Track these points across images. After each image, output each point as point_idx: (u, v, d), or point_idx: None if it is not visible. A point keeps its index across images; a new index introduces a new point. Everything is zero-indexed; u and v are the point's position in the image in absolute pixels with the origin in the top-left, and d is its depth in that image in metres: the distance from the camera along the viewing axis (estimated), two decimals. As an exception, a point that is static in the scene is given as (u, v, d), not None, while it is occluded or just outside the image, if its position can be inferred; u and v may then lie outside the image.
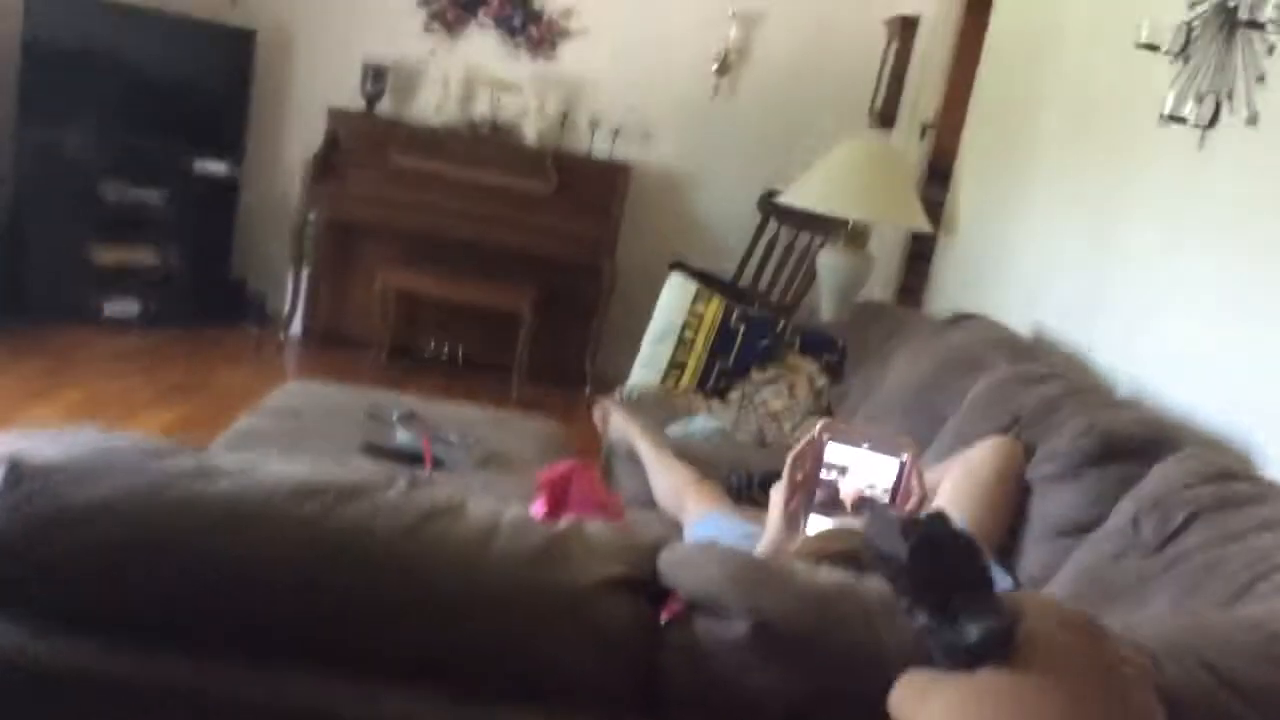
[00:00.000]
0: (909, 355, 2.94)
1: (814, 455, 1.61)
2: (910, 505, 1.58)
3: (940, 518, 0.46)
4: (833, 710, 0.91)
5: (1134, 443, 1.92)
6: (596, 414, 2.95)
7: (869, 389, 3.18)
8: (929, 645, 0.42)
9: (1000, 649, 0.38)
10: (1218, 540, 1.53)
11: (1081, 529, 1.90)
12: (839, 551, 1.28)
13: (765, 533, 1.66)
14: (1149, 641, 0.97)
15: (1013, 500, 2.07)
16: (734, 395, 3.43)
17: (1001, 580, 1.97)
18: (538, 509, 1.37)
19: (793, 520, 1.61)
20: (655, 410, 3.31)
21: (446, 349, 5.37)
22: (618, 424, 2.84)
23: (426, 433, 2.55)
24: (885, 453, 1.61)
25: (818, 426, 1.63)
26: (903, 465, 1.60)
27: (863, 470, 1.61)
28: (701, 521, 2.19)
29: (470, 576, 0.94)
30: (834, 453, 1.62)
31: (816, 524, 1.62)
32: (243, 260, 5.50)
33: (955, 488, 2.10)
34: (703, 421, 3.15)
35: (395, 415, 2.70)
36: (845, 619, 0.94)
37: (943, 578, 0.41)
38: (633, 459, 2.71)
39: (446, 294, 5.10)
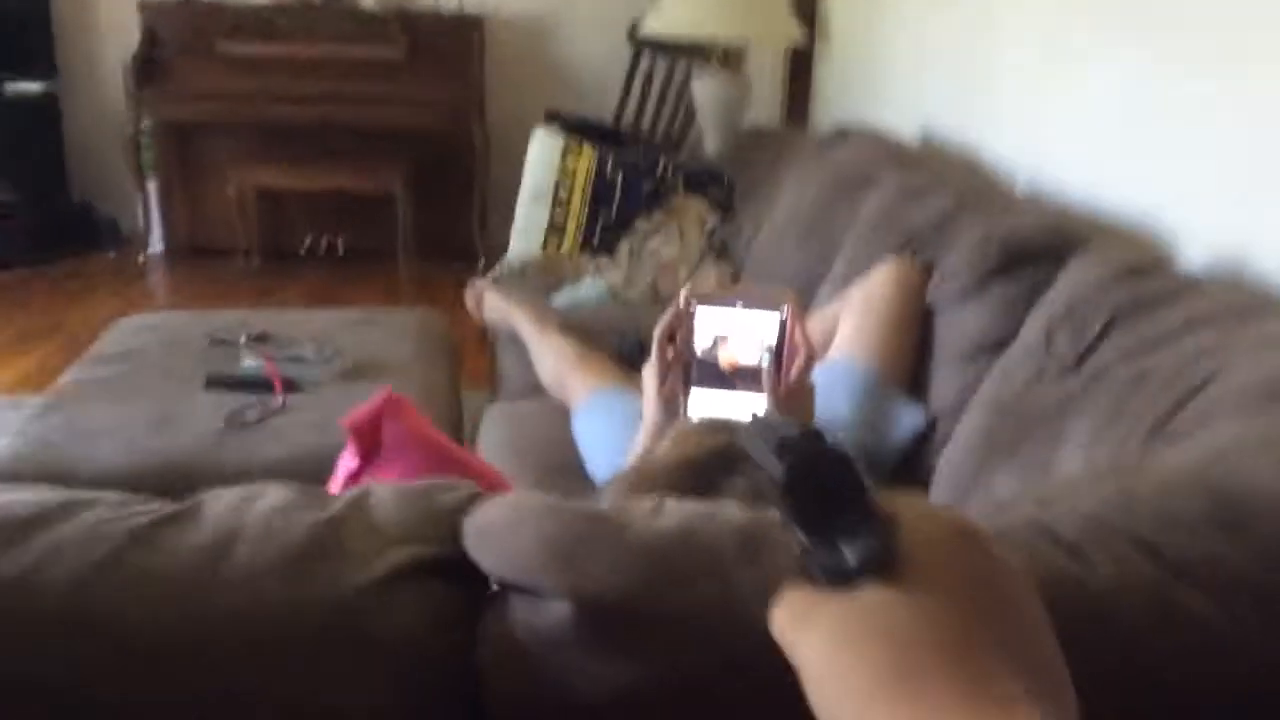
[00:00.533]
0: (795, 181, 2.71)
1: (683, 326, 1.41)
2: (797, 364, 1.39)
3: (815, 435, 0.43)
4: (691, 689, 0.73)
5: (1037, 246, 1.73)
6: (469, 298, 2.70)
7: (759, 220, 2.96)
8: (809, 565, 0.40)
9: (881, 568, 0.37)
10: (1138, 349, 1.36)
11: (994, 347, 1.73)
12: (716, 447, 1.08)
13: (643, 423, 1.46)
14: (1072, 526, 0.79)
15: (917, 325, 1.89)
16: (622, 250, 3.20)
17: (914, 416, 1.81)
18: (347, 463, 1.15)
19: (670, 404, 1.41)
20: (539, 281, 3.07)
21: (324, 243, 5.03)
22: (493, 305, 2.60)
23: (275, 353, 2.29)
24: (762, 309, 1.41)
25: (682, 293, 1.42)
26: (783, 320, 1.40)
27: (741, 333, 1.41)
28: (587, 405, 1.99)
29: (187, 612, 0.71)
30: (706, 319, 1.41)
31: (698, 402, 1.43)
32: (83, 183, 5.04)
33: (855, 320, 1.92)
34: (589, 286, 2.92)
35: (244, 338, 2.43)
36: (690, 577, 0.74)
37: (820, 499, 0.39)
38: (516, 343, 2.49)
39: (309, 185, 4.74)
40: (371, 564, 0.78)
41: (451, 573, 0.80)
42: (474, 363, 3.34)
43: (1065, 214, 1.83)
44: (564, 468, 1.90)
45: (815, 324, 2.03)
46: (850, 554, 0.38)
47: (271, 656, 0.73)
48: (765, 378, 1.39)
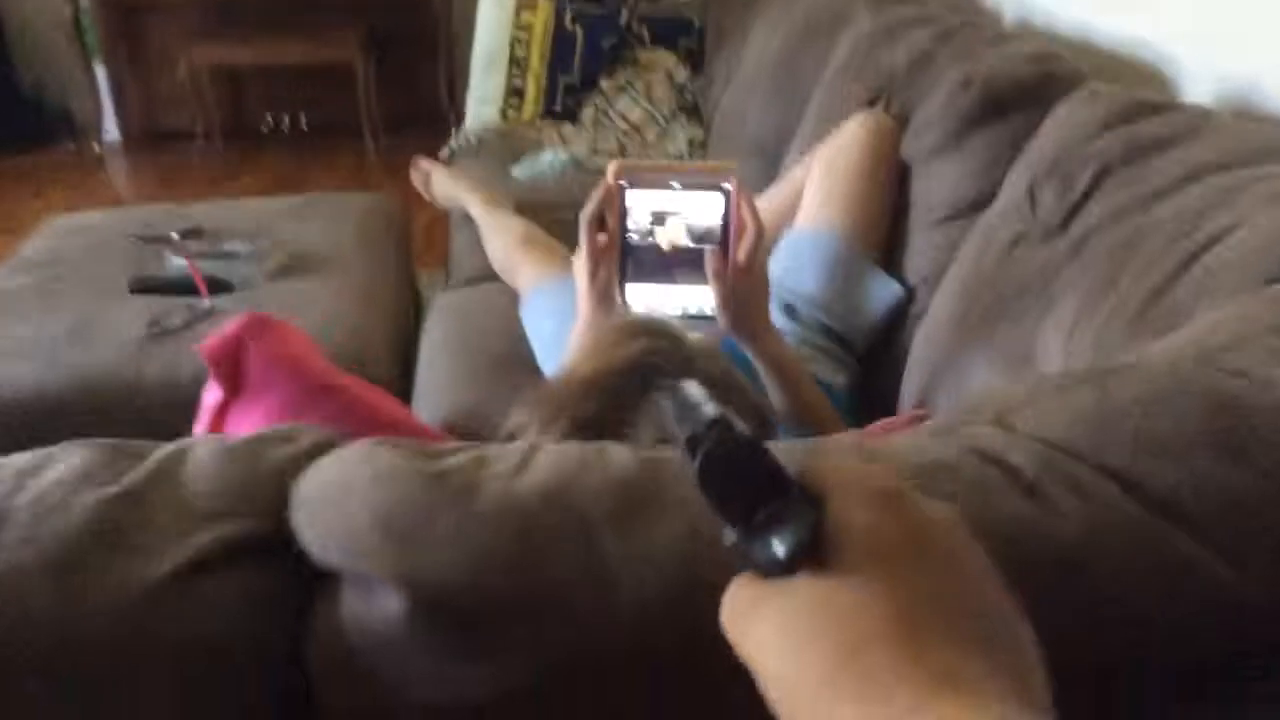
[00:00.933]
0: (767, 26, 2.47)
1: (613, 208, 1.23)
2: (745, 245, 1.22)
3: (724, 424, 0.39)
4: (551, 690, 0.58)
5: (1022, 89, 1.53)
6: (415, 178, 2.51)
7: (730, 73, 2.73)
8: (743, 558, 0.38)
9: (809, 554, 0.36)
10: (1132, 204, 1.18)
11: (973, 207, 1.55)
12: (631, 358, 0.92)
13: (577, 322, 1.29)
14: (1032, 456, 0.63)
15: (891, 186, 1.70)
16: (586, 114, 2.97)
17: (890, 287, 1.64)
18: (212, 397, 0.99)
19: (604, 295, 1.24)
20: (501, 151, 2.87)
21: (286, 120, 4.79)
22: (442, 185, 2.41)
23: (206, 250, 2.12)
24: (703, 187, 1.22)
25: (609, 170, 1.23)
26: (728, 197, 1.21)
27: (681, 215, 1.23)
28: (534, 294, 1.82)
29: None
30: (640, 201, 1.23)
31: (636, 296, 1.26)
32: (31, 71, 4.77)
33: (822, 182, 1.73)
34: (551, 155, 2.72)
35: (174, 235, 2.26)
36: (548, 554, 0.59)
37: (738, 494, 0.37)
38: (469, 224, 2.30)
39: (264, 59, 4.47)
40: (168, 551, 0.63)
41: (273, 556, 0.66)
42: (444, 247, 3.17)
43: (1054, 49, 1.61)
44: (514, 361, 1.75)
45: (782, 189, 1.84)
46: (777, 548, 0.36)
47: (39, 681, 0.59)
48: (708, 264, 1.22)
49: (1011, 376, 1.18)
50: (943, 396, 1.30)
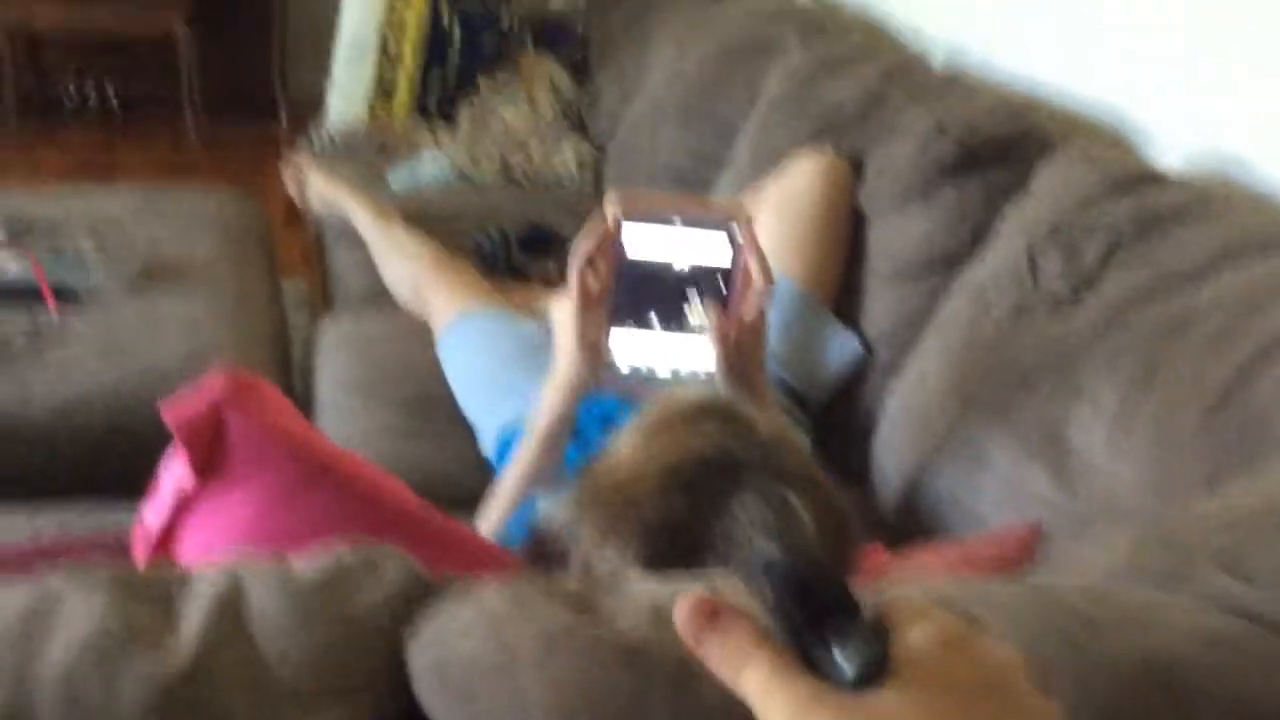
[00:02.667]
0: (672, 43, 2.35)
1: (608, 250, 1.08)
2: (754, 300, 1.09)
3: (798, 550, 0.45)
4: None
5: (1001, 143, 1.47)
6: (288, 179, 2.25)
7: (626, 89, 2.59)
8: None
9: (878, 674, 0.36)
10: (1160, 285, 1.13)
11: (945, 262, 1.48)
12: (716, 446, 0.79)
13: (555, 377, 1.14)
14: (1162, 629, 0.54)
15: (845, 234, 1.62)
16: (463, 116, 2.77)
17: (849, 341, 1.55)
18: (176, 480, 0.78)
19: (594, 354, 1.09)
20: (368, 153, 2.63)
21: (92, 94, 4.30)
22: (320, 190, 2.17)
23: (43, 253, 1.81)
24: (707, 225, 1.09)
25: (608, 205, 1.08)
26: (735, 241, 1.09)
27: (680, 256, 1.09)
28: (454, 329, 1.63)
29: None
30: (637, 239, 1.08)
31: (625, 348, 1.11)
32: None
33: (774, 226, 1.62)
34: (431, 162, 2.50)
35: (0, 233, 1.93)
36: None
37: (811, 615, 0.37)
38: (350, 236, 2.07)
39: (68, 24, 4.00)
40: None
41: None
42: (285, 251, 2.88)
43: (1016, 102, 1.58)
44: (429, 404, 1.56)
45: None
46: (846, 662, 0.36)
47: None
48: (710, 318, 1.09)
49: (1044, 460, 1.11)
50: (954, 473, 1.22)
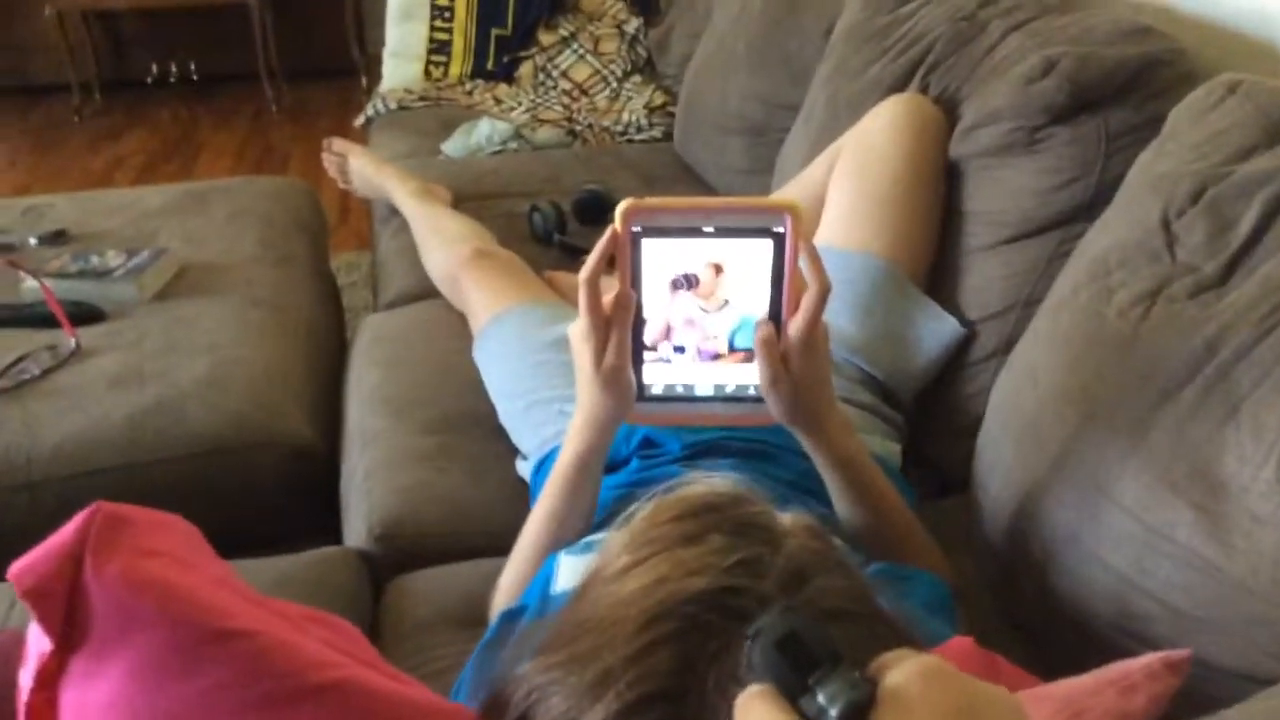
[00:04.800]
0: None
1: (625, 265, 0.88)
2: (806, 312, 0.88)
3: (784, 612, 0.44)
4: None
5: (1121, 77, 1.20)
6: (328, 164, 2.09)
7: (696, 25, 2.35)
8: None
9: (862, 717, 0.38)
10: (1340, 262, 0.86)
11: (1057, 224, 1.23)
12: (721, 585, 0.58)
13: (578, 410, 0.95)
14: None
15: (937, 195, 1.37)
16: (524, 74, 2.57)
17: (944, 324, 1.31)
18: (37, 644, 0.61)
19: (612, 379, 0.90)
20: (426, 120, 2.45)
21: (173, 70, 4.26)
22: (362, 172, 2.00)
23: (70, 266, 1.70)
24: (747, 232, 0.88)
25: (618, 212, 0.88)
26: (780, 245, 0.87)
27: (715, 265, 0.89)
28: (488, 331, 1.45)
29: None
30: (658, 253, 0.88)
31: (656, 373, 0.92)
32: None
33: (852, 187, 1.39)
34: (487, 127, 2.31)
35: (33, 240, 1.83)
36: None
37: (797, 669, 0.41)
38: (397, 221, 1.91)
39: (141, 1, 3.93)
40: None
41: None
42: (360, 226, 2.75)
43: (1142, 20, 1.29)
44: (464, 422, 1.39)
45: (796, 194, 1.50)
46: (829, 704, 0.38)
47: None
48: (756, 335, 0.88)
49: (1189, 500, 0.86)
50: (1072, 502, 0.98)
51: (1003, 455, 1.13)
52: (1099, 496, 0.96)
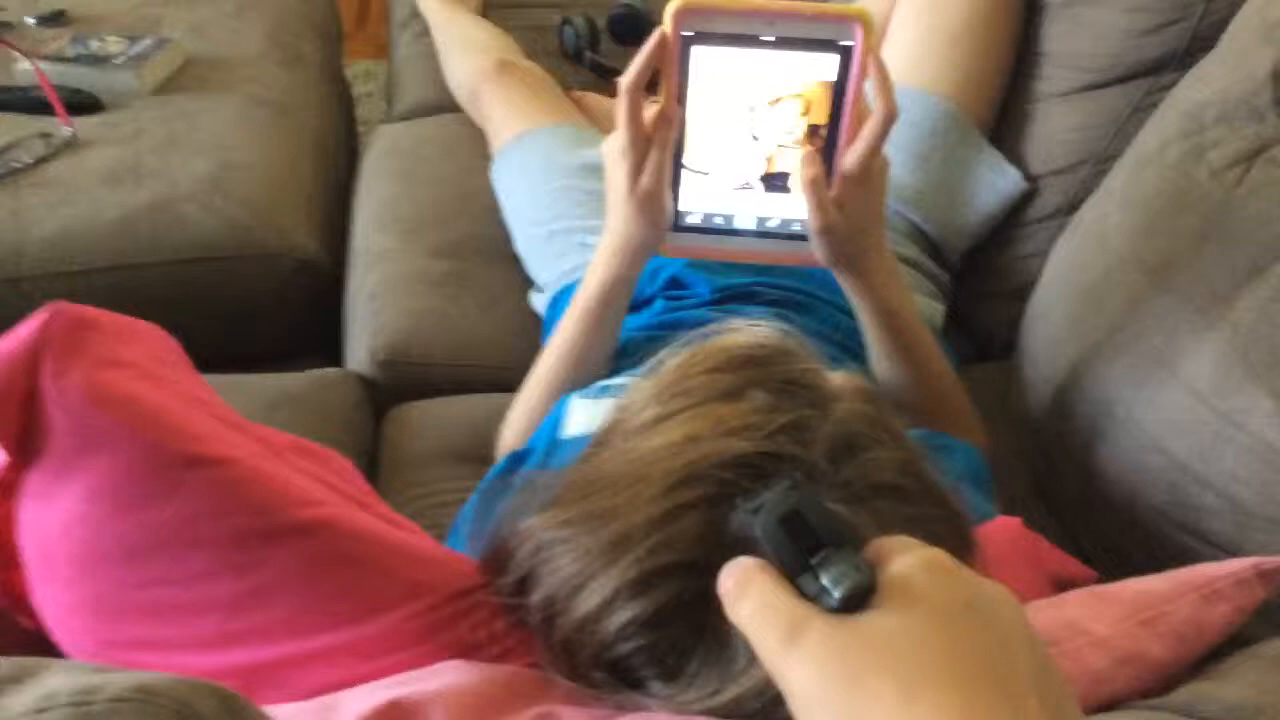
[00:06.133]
0: None
1: (671, 73, 0.79)
2: (866, 140, 0.79)
3: (788, 489, 0.43)
4: None
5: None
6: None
7: None
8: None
9: (865, 596, 0.38)
10: None
11: (1146, 71, 1.11)
12: (764, 448, 0.50)
13: (605, 236, 0.87)
14: None
15: (1011, 34, 1.24)
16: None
17: (1004, 176, 1.21)
18: None
19: (647, 202, 0.82)
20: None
21: None
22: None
23: (69, 50, 1.58)
24: (811, 44, 0.78)
25: (668, 12, 0.78)
26: (847, 60, 0.78)
27: (770, 81, 0.80)
28: (509, 151, 1.34)
29: None
30: (708, 62, 0.79)
31: (694, 197, 0.84)
32: None
33: (916, 21, 1.26)
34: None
35: (32, 20, 1.71)
36: None
37: (801, 548, 0.40)
38: (417, 23, 1.77)
39: None
40: None
41: None
42: (377, 27, 2.59)
43: None
44: (478, 247, 1.30)
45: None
46: (833, 586, 0.38)
47: None
48: (804, 167, 0.79)
49: (1270, 384, 0.78)
50: (1127, 376, 0.90)
51: (1056, 322, 1.04)
52: (1163, 373, 0.87)
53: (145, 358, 0.56)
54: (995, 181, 1.20)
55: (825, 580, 0.38)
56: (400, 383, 1.16)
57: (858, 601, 0.37)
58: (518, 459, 0.89)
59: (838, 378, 0.57)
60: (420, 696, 0.48)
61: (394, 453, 1.08)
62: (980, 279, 1.25)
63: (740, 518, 0.48)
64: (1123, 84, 1.13)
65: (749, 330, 0.59)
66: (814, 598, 0.38)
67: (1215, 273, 0.86)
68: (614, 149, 0.81)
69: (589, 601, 0.50)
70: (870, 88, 0.77)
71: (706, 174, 0.82)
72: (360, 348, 1.19)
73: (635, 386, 0.58)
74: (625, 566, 0.50)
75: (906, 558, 0.38)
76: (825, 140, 0.79)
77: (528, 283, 1.25)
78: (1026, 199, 1.20)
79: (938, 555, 0.39)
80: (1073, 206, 1.14)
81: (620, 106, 0.78)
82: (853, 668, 0.35)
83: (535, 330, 1.19)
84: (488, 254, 1.29)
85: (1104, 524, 0.93)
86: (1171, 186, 0.94)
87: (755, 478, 0.50)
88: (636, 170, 0.80)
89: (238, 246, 1.30)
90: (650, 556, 0.50)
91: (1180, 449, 0.84)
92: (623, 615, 0.49)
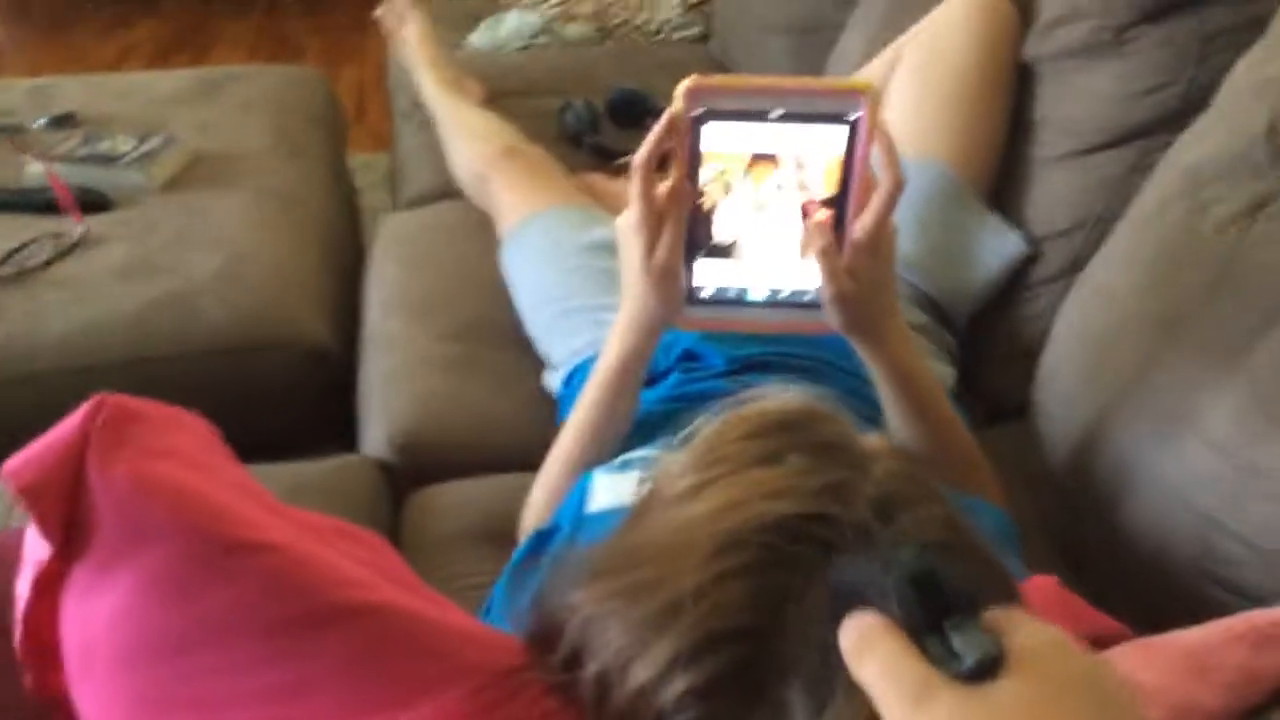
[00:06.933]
0: None
1: (684, 150, 0.81)
2: (875, 211, 0.81)
3: (923, 549, 0.43)
4: None
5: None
6: (386, 14, 1.92)
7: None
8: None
9: (996, 667, 0.37)
10: None
11: (1141, 134, 1.14)
12: (806, 511, 0.50)
13: (622, 312, 0.89)
14: None
15: (1007, 100, 1.27)
16: (555, -36, 2.43)
17: (1006, 241, 1.23)
18: (34, 549, 0.54)
19: (664, 276, 0.83)
20: (452, 12, 2.33)
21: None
22: (410, 39, 1.85)
23: (77, 149, 1.61)
24: (819, 118, 0.80)
25: (679, 92, 0.79)
26: (854, 134, 0.80)
27: (780, 154, 0.81)
28: (518, 233, 1.36)
29: None
30: (719, 138, 0.81)
31: (709, 273, 0.85)
32: None
33: (915, 91, 1.29)
34: (516, 20, 2.20)
35: (40, 123, 1.74)
36: None
37: (933, 610, 0.39)
38: (423, 111, 1.80)
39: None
40: None
41: None
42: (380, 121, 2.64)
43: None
44: (490, 330, 1.31)
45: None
46: (965, 652, 0.37)
47: None
48: (813, 236, 0.81)
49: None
50: (1147, 431, 0.90)
51: (1069, 382, 1.05)
52: (1183, 428, 0.88)
53: (188, 446, 0.56)
54: (997, 245, 1.22)
55: (958, 645, 0.38)
56: (418, 466, 1.16)
57: (987, 671, 0.37)
58: (544, 537, 0.88)
59: (871, 439, 0.57)
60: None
61: (416, 537, 1.08)
62: (987, 342, 1.26)
63: (818, 582, 0.47)
64: (1118, 147, 1.15)
65: (781, 396, 0.59)
66: (940, 662, 0.38)
67: (1227, 325, 0.88)
68: (628, 225, 0.82)
69: (643, 673, 0.50)
70: (877, 159, 0.79)
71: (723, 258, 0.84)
72: (377, 432, 1.20)
73: (668, 458, 0.58)
74: (676, 636, 0.50)
75: (1030, 630, 0.38)
76: (835, 210, 0.81)
77: (539, 364, 1.26)
78: (1029, 261, 1.21)
79: (1059, 631, 0.39)
80: (1076, 267, 1.15)
81: (633, 184, 0.80)
82: None
83: (550, 409, 1.19)
84: (498, 336, 1.30)
85: (1133, 581, 0.92)
86: (1175, 243, 0.96)
87: (801, 540, 0.50)
88: (651, 246, 0.81)
89: (251, 337, 1.32)
90: (699, 625, 0.49)
91: (1205, 502, 0.85)
92: (678, 685, 0.49)
